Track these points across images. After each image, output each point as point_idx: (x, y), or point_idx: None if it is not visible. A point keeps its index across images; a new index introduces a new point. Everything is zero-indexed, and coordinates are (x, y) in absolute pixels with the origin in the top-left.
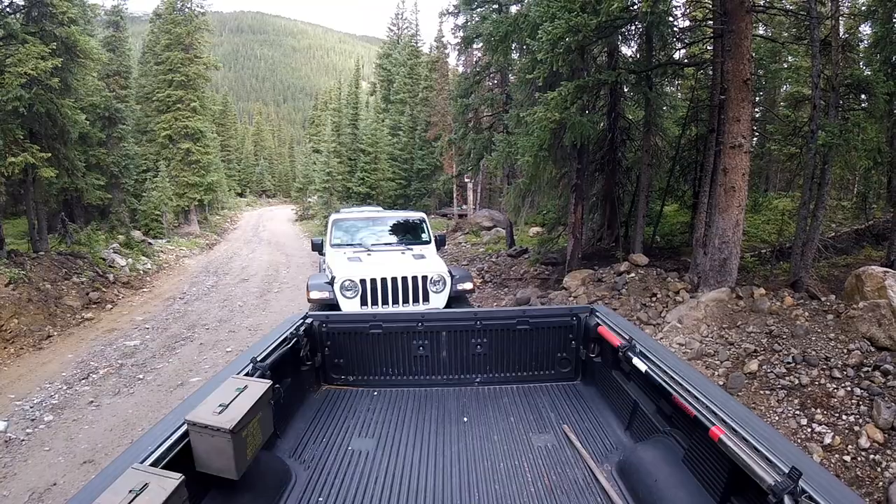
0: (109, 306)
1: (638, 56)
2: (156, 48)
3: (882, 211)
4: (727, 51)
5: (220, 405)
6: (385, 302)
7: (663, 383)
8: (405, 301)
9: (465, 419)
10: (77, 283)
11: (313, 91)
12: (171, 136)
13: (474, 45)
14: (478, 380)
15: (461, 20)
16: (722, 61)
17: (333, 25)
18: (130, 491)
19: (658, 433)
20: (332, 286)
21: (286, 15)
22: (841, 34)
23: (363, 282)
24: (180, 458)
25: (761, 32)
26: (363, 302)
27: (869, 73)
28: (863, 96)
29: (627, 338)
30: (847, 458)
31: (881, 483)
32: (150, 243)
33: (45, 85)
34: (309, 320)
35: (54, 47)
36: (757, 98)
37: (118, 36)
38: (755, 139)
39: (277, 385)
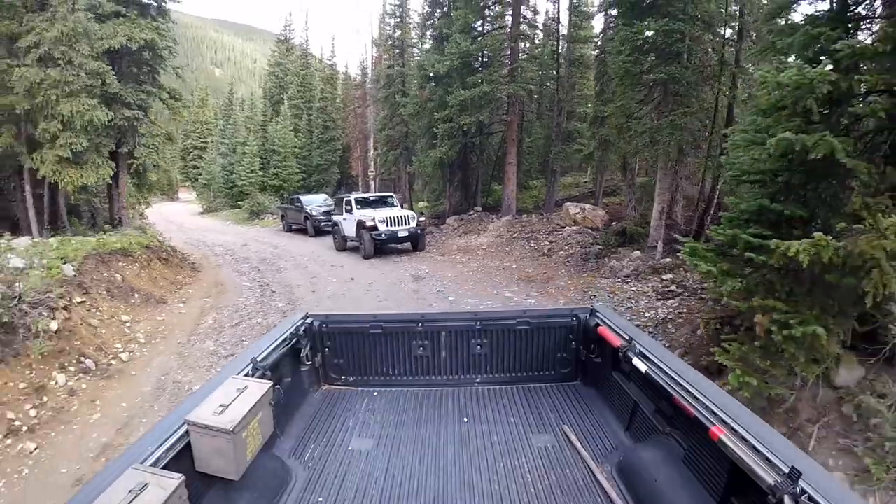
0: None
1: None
2: None
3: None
4: (507, 128)
5: (220, 405)
6: (398, 224)
7: (663, 383)
8: (402, 225)
9: (465, 419)
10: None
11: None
12: None
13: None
14: (478, 380)
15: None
16: (506, 132)
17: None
18: (130, 491)
19: (658, 433)
20: (375, 220)
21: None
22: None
23: (388, 218)
24: (180, 458)
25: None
26: (388, 225)
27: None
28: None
29: (627, 338)
30: (530, 252)
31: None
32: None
33: None
34: (309, 320)
35: None
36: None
37: None
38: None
39: (277, 385)
